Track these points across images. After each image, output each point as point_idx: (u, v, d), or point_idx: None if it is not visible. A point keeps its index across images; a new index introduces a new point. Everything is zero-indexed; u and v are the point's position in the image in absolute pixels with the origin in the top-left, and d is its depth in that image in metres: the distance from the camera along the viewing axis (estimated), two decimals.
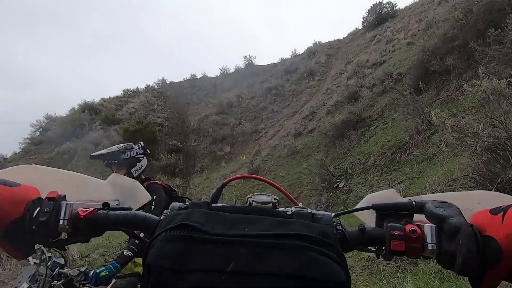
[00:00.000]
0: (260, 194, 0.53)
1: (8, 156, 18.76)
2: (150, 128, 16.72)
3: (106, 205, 0.54)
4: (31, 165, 0.60)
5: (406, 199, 0.53)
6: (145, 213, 0.53)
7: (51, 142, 19.02)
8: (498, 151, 2.53)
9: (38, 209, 0.48)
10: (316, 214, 0.47)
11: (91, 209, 0.50)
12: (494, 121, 2.60)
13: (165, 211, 0.49)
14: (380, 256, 0.49)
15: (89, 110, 21.28)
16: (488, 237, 0.39)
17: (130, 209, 0.57)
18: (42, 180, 0.57)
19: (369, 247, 0.49)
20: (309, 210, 0.47)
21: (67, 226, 0.48)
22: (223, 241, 0.38)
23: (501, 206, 0.41)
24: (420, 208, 0.48)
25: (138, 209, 0.61)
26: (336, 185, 6.80)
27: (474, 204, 0.51)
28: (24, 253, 0.48)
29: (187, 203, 0.48)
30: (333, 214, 0.50)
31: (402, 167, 5.38)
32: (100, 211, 0.51)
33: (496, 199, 0.52)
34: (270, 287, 0.35)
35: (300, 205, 0.52)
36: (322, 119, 11.60)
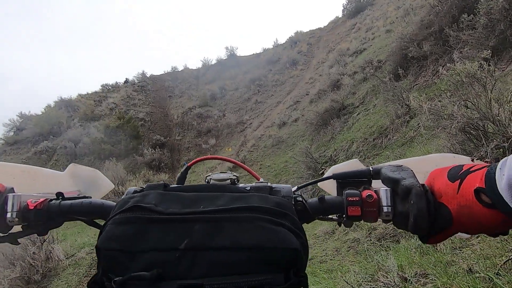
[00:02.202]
0: (220, 172, 0.53)
1: None
2: (132, 123, 16.34)
3: (60, 194, 0.52)
4: None
5: (365, 167, 0.55)
6: (103, 200, 0.52)
7: (27, 141, 18.22)
8: (471, 131, 2.66)
9: None
10: (275, 187, 0.48)
11: (41, 199, 0.49)
12: (468, 103, 2.72)
13: (122, 196, 0.49)
14: (342, 223, 0.50)
15: (66, 107, 20.48)
16: (442, 205, 0.40)
17: (88, 197, 0.55)
18: None
19: (329, 216, 0.50)
20: (269, 184, 0.48)
21: (16, 219, 0.46)
22: (177, 219, 0.38)
23: (460, 169, 0.41)
24: (376, 173, 0.50)
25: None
26: (321, 172, 6.93)
27: (432, 166, 0.52)
28: None
29: (143, 186, 0.48)
30: (295, 187, 0.51)
31: (383, 151, 5.55)
32: (53, 201, 0.50)
33: (452, 160, 0.54)
34: (225, 260, 0.35)
35: (261, 180, 0.53)
36: (305, 108, 11.71)
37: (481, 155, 2.37)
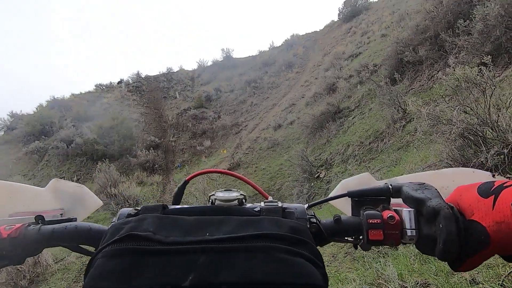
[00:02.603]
0: (224, 189, 0.47)
1: None
2: (126, 124, 16.15)
3: (39, 218, 0.46)
4: None
5: (381, 183, 0.52)
6: (90, 223, 0.46)
7: (18, 141, 17.88)
8: (470, 136, 2.64)
9: None
10: (288, 208, 0.43)
11: (17, 225, 0.42)
12: (466, 108, 2.70)
13: (113, 219, 0.43)
14: (358, 246, 0.46)
15: (59, 107, 20.18)
16: (474, 222, 0.36)
17: (73, 220, 0.49)
18: None
19: (346, 238, 0.46)
20: (280, 204, 0.43)
21: None
22: (179, 250, 0.33)
23: (492, 186, 0.38)
24: (396, 191, 0.45)
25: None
26: (317, 175, 6.91)
27: (448, 182, 0.49)
28: None
29: (138, 208, 0.42)
30: (306, 205, 0.46)
31: (379, 155, 5.54)
32: (32, 226, 0.43)
33: (471, 175, 0.51)
34: None
35: (270, 199, 0.48)
36: (301, 111, 11.71)
37: (481, 162, 2.35)
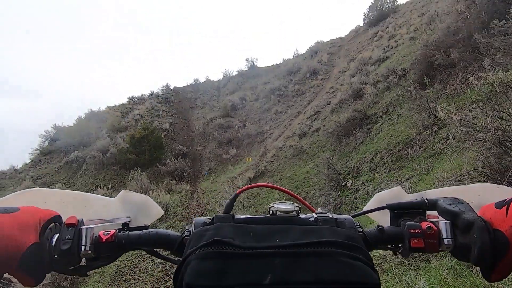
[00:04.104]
0: (280, 202, 0.53)
1: (18, 167, 19.10)
2: (156, 134, 16.87)
3: (125, 225, 0.54)
4: (35, 189, 0.57)
5: (413, 196, 0.57)
6: (167, 230, 0.53)
7: (60, 151, 19.33)
8: (507, 144, 2.49)
9: (57, 236, 0.46)
10: (339, 219, 0.48)
11: (112, 231, 0.49)
12: (502, 114, 2.57)
13: (187, 227, 0.50)
14: (398, 253, 0.51)
15: (96, 119, 21.57)
16: (496, 230, 0.42)
17: (147, 227, 0.56)
18: (47, 203, 0.54)
19: (387, 246, 0.52)
20: (330, 215, 0.49)
21: (89, 252, 0.46)
22: (257, 254, 0.39)
23: (505, 200, 0.44)
24: (432, 205, 0.51)
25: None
26: (343, 183, 6.75)
27: (475, 196, 0.54)
28: (36, 280, 0.45)
29: (211, 218, 0.48)
30: (351, 217, 0.52)
31: (410, 163, 5.32)
32: (121, 232, 0.50)
33: (495, 190, 0.56)
34: None
35: (319, 210, 0.53)
36: (327, 118, 11.56)
37: None
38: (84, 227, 0.48)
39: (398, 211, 0.53)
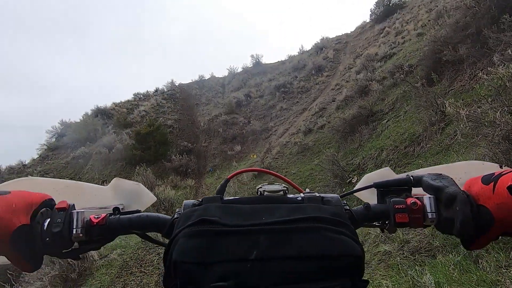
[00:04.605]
0: (268, 183, 0.55)
1: (27, 162, 19.38)
2: (161, 130, 16.94)
3: (116, 209, 0.54)
4: (27, 178, 0.58)
5: (403, 175, 0.57)
6: (158, 214, 0.53)
7: (66, 147, 19.55)
8: None
9: (49, 220, 0.46)
10: (325, 197, 0.49)
11: (103, 215, 0.50)
12: None
13: (177, 210, 0.51)
14: (385, 229, 0.52)
15: (102, 115, 21.76)
16: (481, 206, 0.43)
17: (139, 211, 0.57)
18: (45, 191, 0.54)
19: (374, 223, 0.53)
20: (318, 194, 0.50)
21: (81, 235, 0.47)
22: (244, 231, 0.40)
23: (493, 175, 0.44)
24: (417, 181, 0.52)
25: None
26: (348, 180, 6.73)
27: (461, 174, 0.55)
28: (33, 265, 0.46)
29: (200, 200, 0.49)
30: (338, 196, 0.53)
31: (416, 160, 5.28)
32: (112, 216, 0.51)
33: (480, 167, 0.57)
34: (294, 269, 0.37)
35: (307, 190, 0.54)
36: (332, 115, 11.49)
37: None
38: (75, 211, 0.48)
39: (384, 189, 0.54)
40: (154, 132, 16.18)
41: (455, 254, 2.22)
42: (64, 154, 19.06)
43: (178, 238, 0.40)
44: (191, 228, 0.40)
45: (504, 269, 1.78)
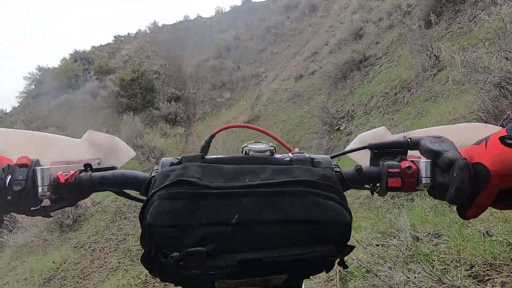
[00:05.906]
0: (255, 142, 0.51)
1: (8, 111, 18.70)
2: (146, 76, 16.23)
3: (87, 166, 0.51)
4: None
5: (397, 136, 0.55)
6: (135, 171, 0.50)
7: (47, 94, 18.73)
8: (508, 86, 2.41)
9: (10, 177, 0.43)
10: (315, 159, 0.47)
11: (72, 172, 0.46)
12: (508, 54, 2.43)
13: (155, 167, 0.48)
14: (375, 192, 0.50)
15: (81, 60, 20.45)
16: (476, 163, 0.41)
17: (115, 168, 0.53)
18: (7, 143, 0.51)
19: (364, 185, 0.51)
20: (307, 155, 0.47)
21: (48, 193, 0.44)
22: (225, 193, 0.37)
23: (483, 138, 0.43)
24: (415, 144, 0.49)
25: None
26: (337, 127, 6.80)
27: (461, 136, 0.52)
28: None
29: (179, 158, 0.46)
30: (329, 157, 0.49)
31: (405, 107, 5.28)
32: (83, 173, 0.47)
33: (482, 129, 0.55)
34: (280, 234, 0.36)
35: (297, 150, 0.51)
36: (324, 60, 11.08)
37: None
38: (39, 167, 0.44)
39: (379, 151, 0.51)
40: (139, 78, 15.50)
41: (431, 198, 2.34)
42: (45, 101, 18.33)
43: (153, 199, 0.38)
44: (167, 189, 0.38)
45: None
